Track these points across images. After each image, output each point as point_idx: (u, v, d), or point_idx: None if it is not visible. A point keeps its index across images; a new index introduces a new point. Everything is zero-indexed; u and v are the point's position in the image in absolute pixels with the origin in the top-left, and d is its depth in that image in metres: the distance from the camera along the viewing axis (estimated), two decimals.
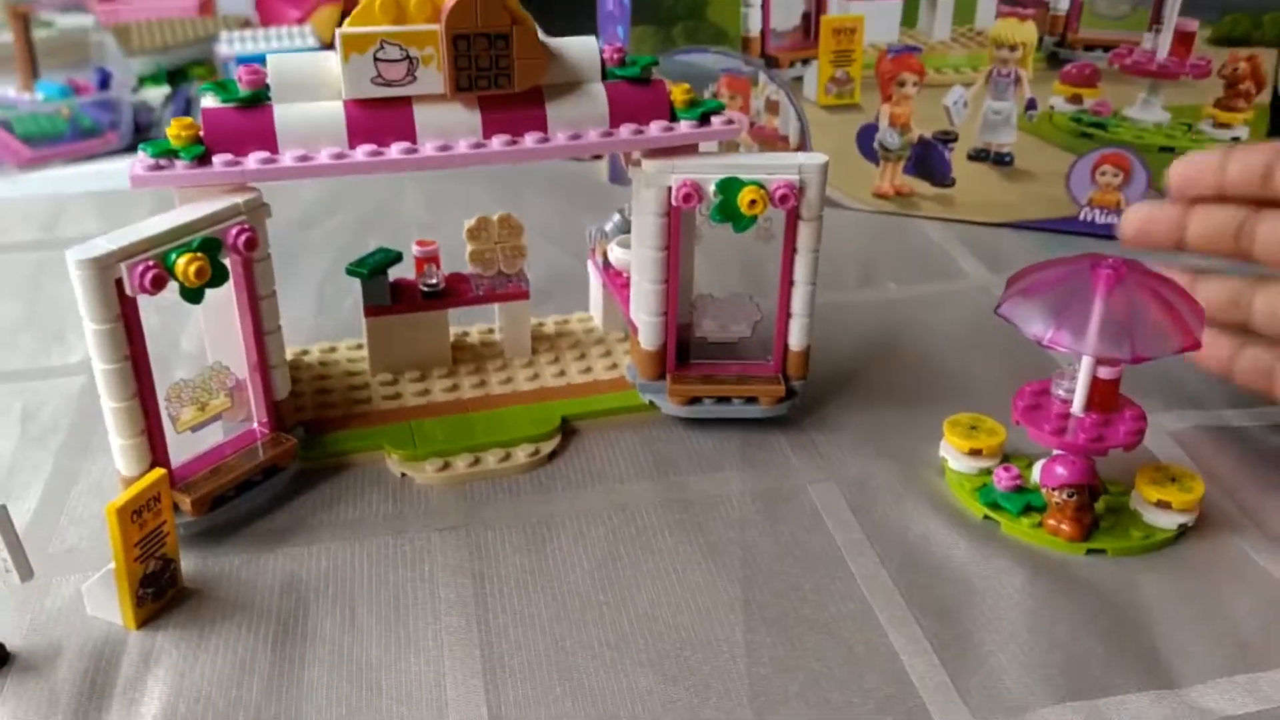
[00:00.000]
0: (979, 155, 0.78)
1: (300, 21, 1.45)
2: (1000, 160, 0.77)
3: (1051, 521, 0.49)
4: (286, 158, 0.47)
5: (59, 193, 0.86)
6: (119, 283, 0.43)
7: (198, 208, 0.46)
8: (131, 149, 1.34)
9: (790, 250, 0.54)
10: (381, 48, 0.47)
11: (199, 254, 0.44)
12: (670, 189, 0.51)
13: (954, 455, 0.53)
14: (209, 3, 1.59)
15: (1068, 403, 0.49)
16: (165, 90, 1.58)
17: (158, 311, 0.47)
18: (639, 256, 0.55)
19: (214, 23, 1.53)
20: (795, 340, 0.56)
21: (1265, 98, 0.71)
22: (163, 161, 0.47)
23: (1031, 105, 0.75)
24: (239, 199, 0.47)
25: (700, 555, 0.48)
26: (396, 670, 0.43)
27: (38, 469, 0.53)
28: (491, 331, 0.64)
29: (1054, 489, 0.48)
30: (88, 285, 0.42)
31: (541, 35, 0.50)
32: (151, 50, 1.56)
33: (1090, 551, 0.49)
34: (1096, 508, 0.50)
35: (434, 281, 0.59)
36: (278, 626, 0.44)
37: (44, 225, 0.79)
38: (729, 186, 0.51)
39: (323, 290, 0.71)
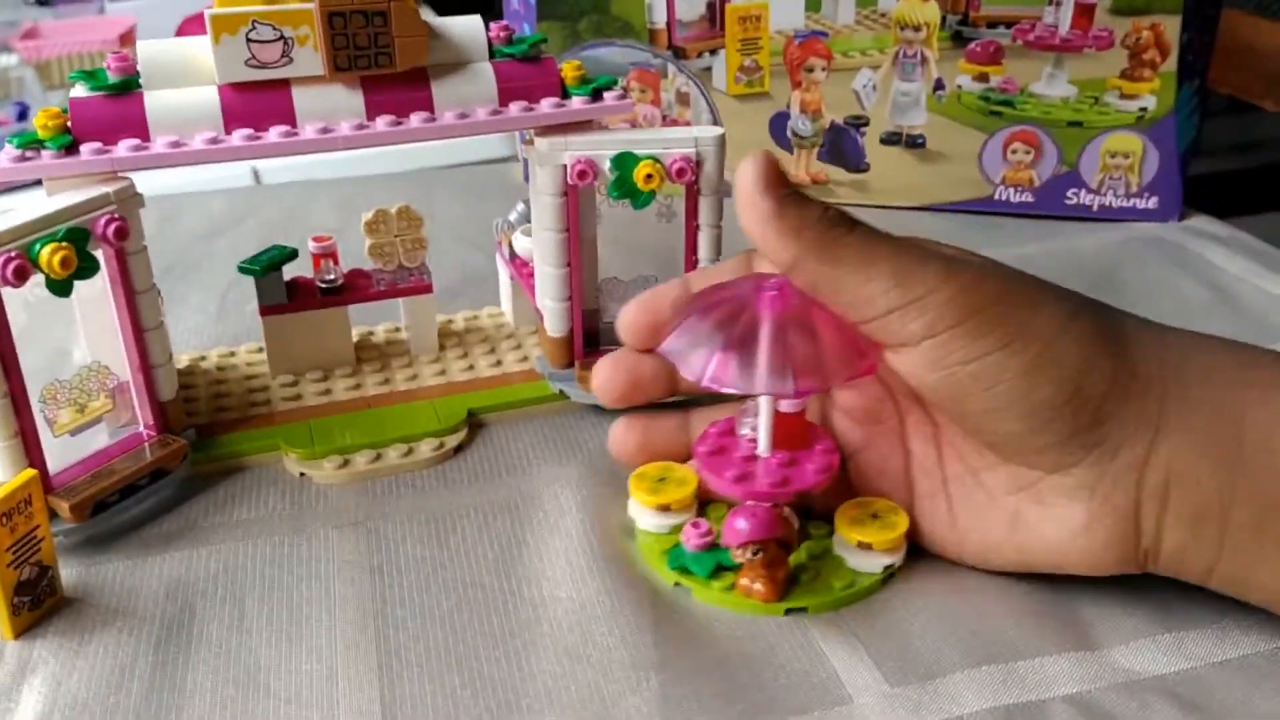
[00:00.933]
0: (891, 139, 0.77)
1: None
2: (913, 143, 0.77)
3: (744, 582, 0.42)
4: (158, 144, 0.46)
5: None
6: None
7: (66, 198, 0.44)
8: None
9: (692, 227, 0.53)
10: (254, 28, 0.46)
11: (64, 244, 0.42)
12: (565, 166, 0.50)
13: (643, 513, 0.46)
14: (129, 35, 1.56)
15: (754, 442, 0.43)
16: None
17: (28, 309, 0.45)
18: (539, 240, 0.53)
19: (134, 53, 1.50)
20: None
21: (1171, 65, 0.72)
22: (29, 153, 0.45)
23: (939, 85, 0.75)
24: (109, 188, 0.45)
25: (610, 534, 0.47)
26: (286, 670, 0.41)
27: None
28: (397, 330, 0.62)
29: (738, 547, 0.42)
30: None
31: (425, 13, 0.49)
32: (69, 85, 1.52)
33: (789, 611, 0.42)
34: (796, 557, 0.44)
35: (332, 278, 0.57)
36: (161, 631, 0.42)
37: None
38: (624, 162, 0.50)
39: (225, 297, 0.69)
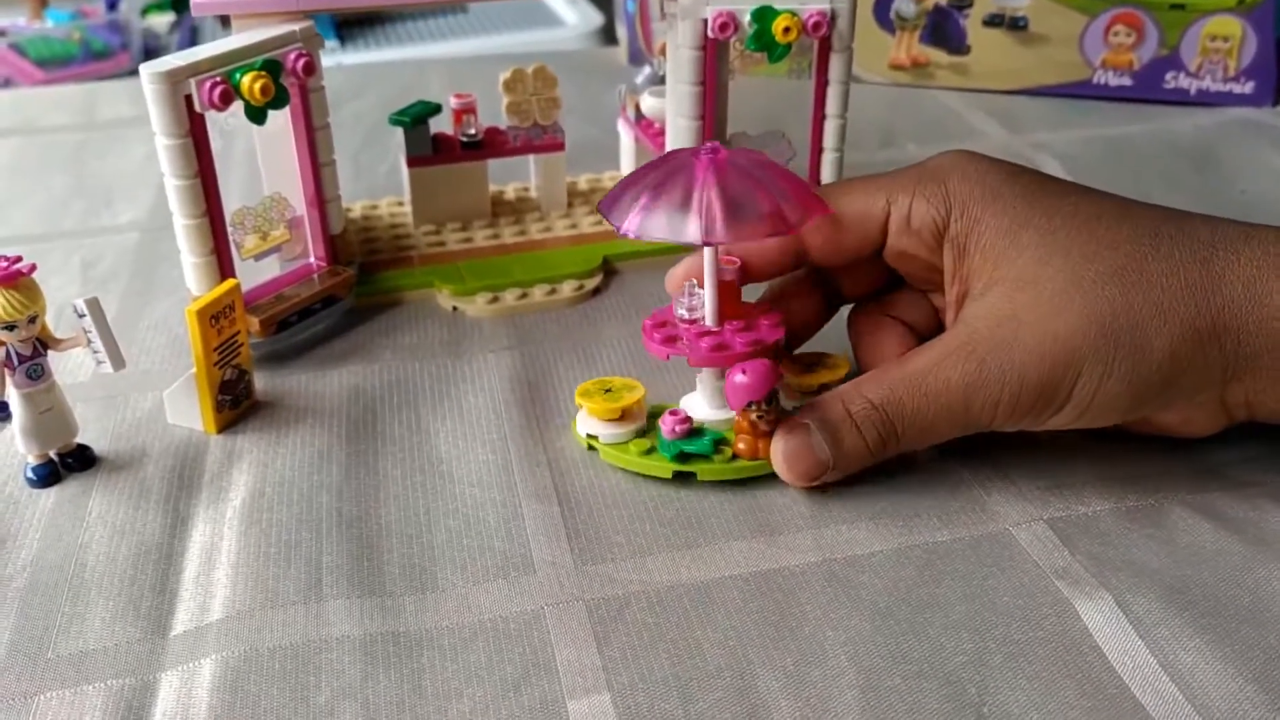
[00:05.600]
0: (994, 20, 0.79)
1: None
2: (1015, 25, 0.79)
3: (741, 447, 0.42)
4: None
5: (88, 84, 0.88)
6: (188, 99, 0.45)
7: (256, 34, 0.48)
8: None
9: (822, 83, 0.55)
10: None
11: (263, 73, 0.46)
12: (706, 20, 0.53)
13: (600, 426, 0.44)
14: None
15: (695, 321, 0.43)
16: (170, 18, 1.59)
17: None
18: (675, 93, 0.56)
19: None
20: (827, 175, 0.58)
21: None
22: None
23: None
24: (295, 26, 0.49)
25: None
26: (466, 461, 0.45)
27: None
28: (526, 189, 0.66)
29: (750, 405, 0.41)
30: (160, 99, 0.44)
31: None
32: None
33: None
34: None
35: (473, 132, 0.61)
36: (350, 428, 0.47)
37: (80, 111, 0.81)
38: (764, 15, 0.53)
39: (357, 159, 0.73)
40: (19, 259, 0.41)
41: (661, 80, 0.64)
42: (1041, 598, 0.38)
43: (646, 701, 0.34)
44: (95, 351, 0.42)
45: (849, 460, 0.41)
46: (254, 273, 0.52)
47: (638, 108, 0.64)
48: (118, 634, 0.37)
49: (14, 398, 0.42)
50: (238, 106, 0.47)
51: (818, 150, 0.57)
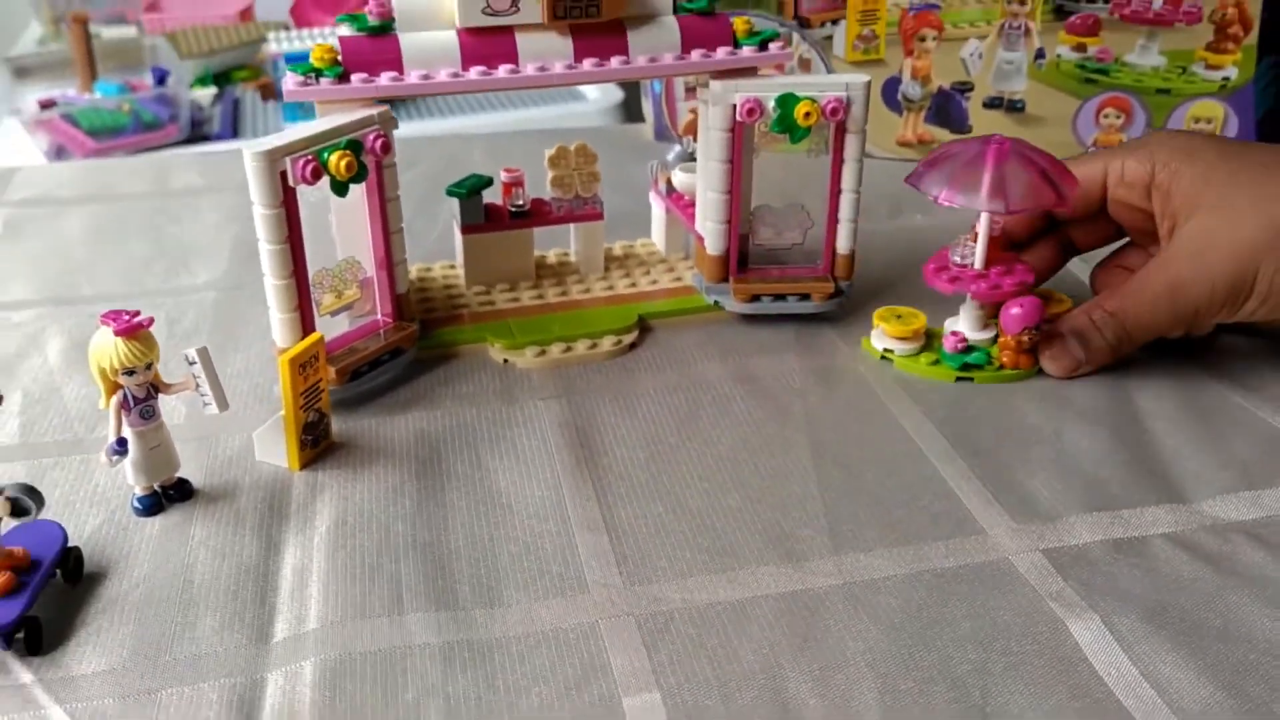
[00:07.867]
0: (993, 103, 0.86)
1: (331, 24, 1.55)
2: (1013, 107, 0.86)
3: (1006, 359, 0.59)
4: (412, 76, 0.56)
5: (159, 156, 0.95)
6: (283, 175, 0.51)
7: (339, 118, 0.54)
8: (191, 140, 1.43)
9: (838, 160, 0.62)
10: None
11: (347, 151, 0.52)
12: (735, 105, 0.59)
13: (895, 342, 0.61)
14: (249, 10, 1.68)
15: (965, 266, 0.59)
16: (213, 91, 1.67)
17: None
18: (705, 169, 0.63)
19: (255, 28, 1.62)
20: (842, 244, 0.64)
21: (1252, 39, 0.80)
22: (309, 79, 0.55)
23: (1040, 54, 0.84)
24: (373, 111, 0.55)
25: (769, 414, 0.56)
26: (523, 495, 0.50)
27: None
28: (566, 254, 0.72)
29: (1023, 329, 0.58)
30: (259, 174, 0.50)
31: None
32: (199, 54, 1.65)
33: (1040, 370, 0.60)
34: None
35: (521, 203, 0.67)
36: (418, 466, 0.52)
37: (153, 181, 0.87)
38: (787, 101, 0.59)
39: (411, 226, 0.78)
40: (137, 313, 0.47)
41: (691, 157, 0.70)
42: (1038, 617, 0.43)
43: (692, 699, 0.39)
44: (203, 395, 0.48)
45: (1097, 356, 0.58)
46: (327, 327, 0.58)
47: (669, 182, 0.70)
48: (226, 640, 0.42)
49: (129, 435, 0.48)
50: (321, 181, 0.53)
51: (834, 220, 0.63)
